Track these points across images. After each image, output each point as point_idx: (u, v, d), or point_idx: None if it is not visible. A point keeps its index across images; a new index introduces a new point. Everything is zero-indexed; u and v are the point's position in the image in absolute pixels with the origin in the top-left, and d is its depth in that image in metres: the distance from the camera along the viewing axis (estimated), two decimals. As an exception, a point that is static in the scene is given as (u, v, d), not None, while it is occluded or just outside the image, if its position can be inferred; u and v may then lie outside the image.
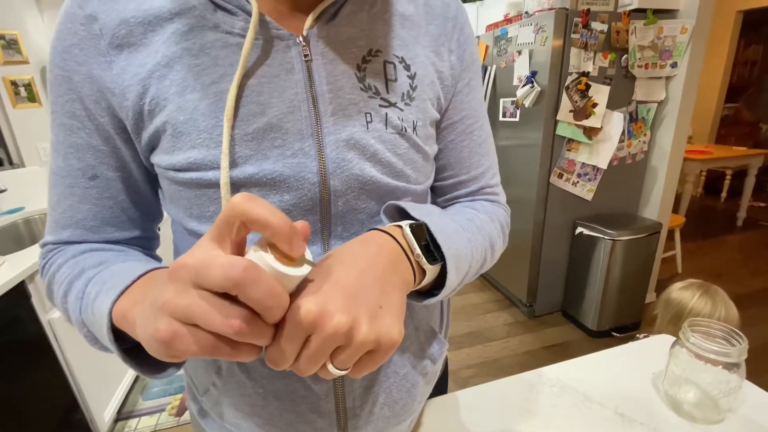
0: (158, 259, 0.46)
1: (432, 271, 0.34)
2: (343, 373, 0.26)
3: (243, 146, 0.34)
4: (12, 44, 2.29)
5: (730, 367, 0.50)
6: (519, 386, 0.61)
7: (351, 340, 0.24)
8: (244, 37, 0.34)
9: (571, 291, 2.18)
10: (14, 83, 2.32)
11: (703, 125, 4.36)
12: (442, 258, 0.34)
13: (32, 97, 2.37)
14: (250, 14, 0.34)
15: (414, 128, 0.39)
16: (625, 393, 0.58)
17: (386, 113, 0.38)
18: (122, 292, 0.30)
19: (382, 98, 0.38)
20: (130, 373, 1.69)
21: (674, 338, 0.56)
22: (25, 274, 1.14)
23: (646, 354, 0.66)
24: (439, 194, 0.50)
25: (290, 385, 0.41)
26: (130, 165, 0.39)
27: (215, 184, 0.34)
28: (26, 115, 2.34)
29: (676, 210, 2.60)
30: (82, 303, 0.34)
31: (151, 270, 0.33)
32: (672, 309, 1.11)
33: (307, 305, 0.23)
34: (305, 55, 0.35)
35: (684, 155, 2.11)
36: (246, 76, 0.34)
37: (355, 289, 0.26)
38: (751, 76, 4.82)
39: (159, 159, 0.36)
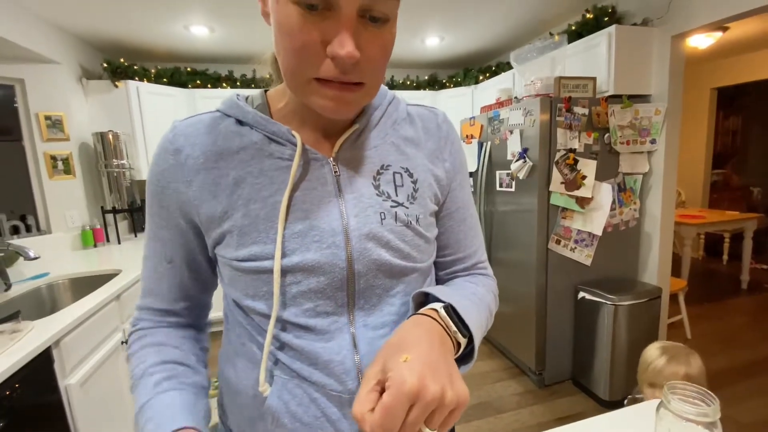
0: (206, 325, 0.59)
1: (464, 342, 0.44)
2: None
3: (291, 242, 0.45)
4: (57, 124, 2.56)
5: (709, 426, 0.55)
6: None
7: (443, 403, 0.32)
8: (291, 161, 0.46)
9: (579, 358, 2.16)
10: (53, 157, 2.55)
11: (695, 191, 4.53)
12: (468, 331, 0.44)
13: (68, 170, 2.59)
14: (295, 145, 0.47)
15: (417, 220, 0.51)
16: (621, 456, 0.62)
17: (396, 211, 0.49)
18: None
19: (392, 200, 0.49)
20: (131, 446, 1.65)
21: (659, 400, 0.61)
22: (52, 339, 1.20)
23: (641, 417, 0.70)
24: (440, 269, 0.60)
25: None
26: (195, 252, 0.51)
27: (269, 271, 0.44)
28: (60, 185, 2.54)
29: (678, 274, 2.63)
30: (137, 417, 0.43)
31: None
32: (642, 366, 1.22)
33: (411, 380, 0.31)
34: (335, 171, 0.48)
35: (677, 220, 2.22)
36: (293, 190, 0.46)
37: (431, 363, 0.35)
38: (734, 143, 5.13)
39: (225, 252, 0.47)
